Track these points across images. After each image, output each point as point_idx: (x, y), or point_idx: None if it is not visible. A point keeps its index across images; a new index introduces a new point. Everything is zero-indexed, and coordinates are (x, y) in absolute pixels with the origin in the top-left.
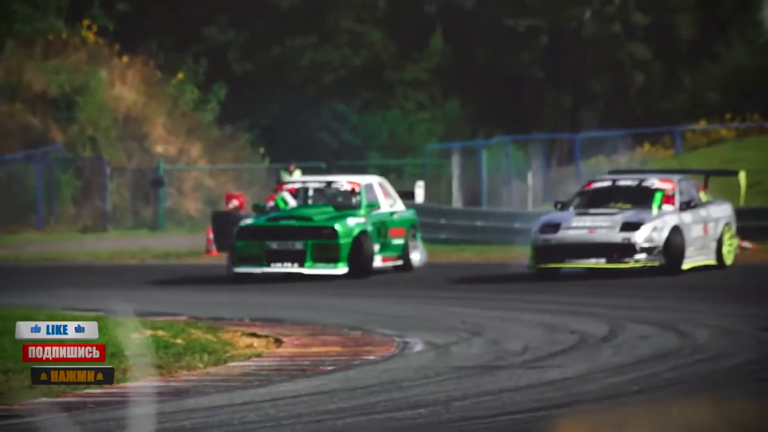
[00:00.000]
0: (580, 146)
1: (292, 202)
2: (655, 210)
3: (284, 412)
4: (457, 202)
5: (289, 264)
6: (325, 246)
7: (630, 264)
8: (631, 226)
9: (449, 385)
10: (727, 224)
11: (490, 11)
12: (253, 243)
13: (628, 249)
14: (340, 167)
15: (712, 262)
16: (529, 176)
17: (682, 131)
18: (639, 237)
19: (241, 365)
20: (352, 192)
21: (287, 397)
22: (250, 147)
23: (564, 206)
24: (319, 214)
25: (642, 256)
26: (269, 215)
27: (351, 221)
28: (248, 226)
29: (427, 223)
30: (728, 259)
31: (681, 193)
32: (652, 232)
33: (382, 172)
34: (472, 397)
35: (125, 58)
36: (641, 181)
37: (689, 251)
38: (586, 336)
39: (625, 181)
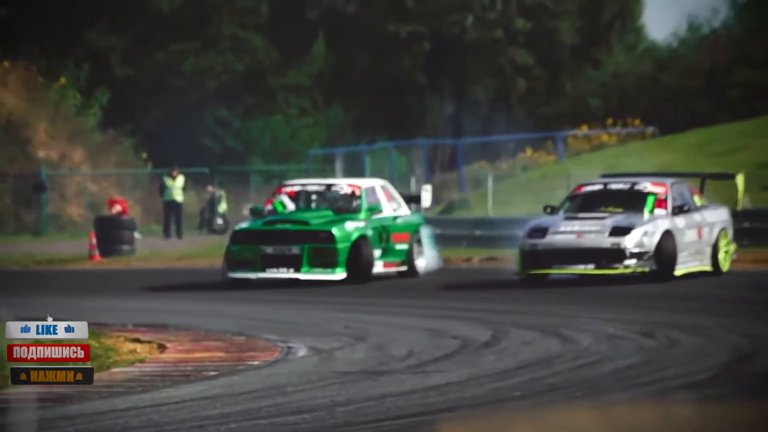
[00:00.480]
0: (462, 152)
1: (291, 206)
2: (646, 214)
3: (167, 418)
4: None
5: (285, 269)
6: (322, 251)
7: (620, 270)
8: (621, 231)
9: (333, 390)
10: (723, 229)
11: (372, 17)
12: (247, 247)
13: (618, 254)
14: (222, 173)
15: (707, 268)
16: (412, 181)
17: (564, 137)
18: (629, 242)
19: (124, 371)
20: (353, 195)
21: (170, 403)
22: (132, 152)
23: (553, 210)
24: (317, 218)
25: (632, 261)
26: (265, 219)
27: (349, 225)
28: (243, 230)
29: None
30: (724, 266)
31: (674, 196)
32: (642, 236)
33: (265, 177)
34: (356, 403)
35: (6, 63)
36: (633, 184)
37: (682, 257)
38: (469, 341)
39: (617, 185)
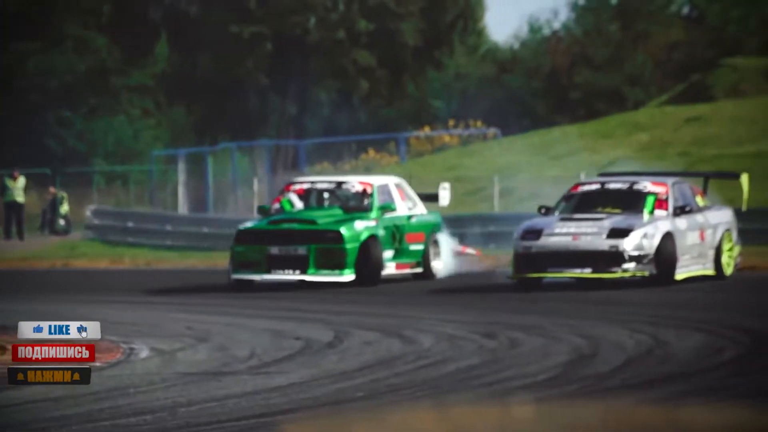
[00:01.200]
0: (305, 153)
1: (299, 204)
2: (645, 215)
3: (8, 419)
4: (183, 209)
5: (291, 271)
6: (329, 251)
7: (618, 274)
8: (620, 233)
9: (175, 391)
10: (727, 231)
11: (215, 18)
12: (252, 248)
13: (616, 257)
14: (64, 174)
15: (709, 272)
16: (255, 182)
17: (406, 138)
18: (628, 244)
19: None
20: (364, 193)
21: (11, 405)
22: None
23: (548, 211)
24: (325, 217)
25: (631, 265)
26: (271, 218)
27: (359, 225)
28: (248, 230)
29: (153, 229)
30: (728, 269)
31: (675, 197)
32: (642, 239)
33: (108, 178)
34: (198, 404)
35: None
36: (632, 184)
37: (684, 260)
38: (312, 342)
39: (615, 184)
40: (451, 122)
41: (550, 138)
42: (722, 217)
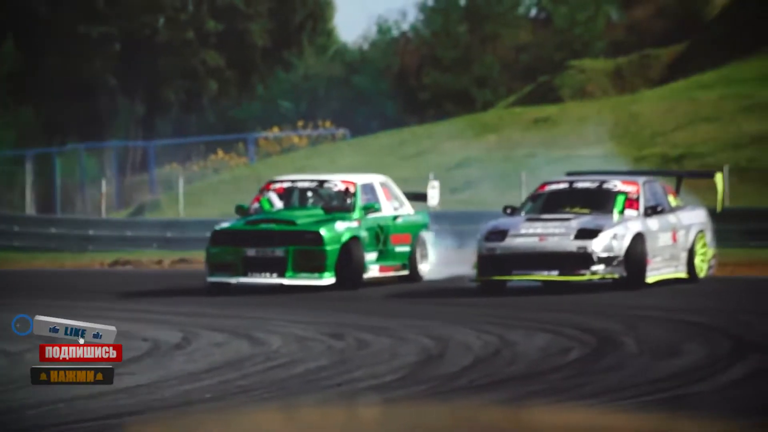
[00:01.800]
0: (154, 153)
1: (278, 204)
2: (615, 215)
3: None
4: (30, 209)
5: (268, 274)
6: (308, 253)
7: (587, 276)
8: (588, 234)
9: (23, 393)
10: (701, 232)
11: (62, 18)
12: (228, 249)
13: (585, 259)
14: None
15: (682, 274)
16: (103, 183)
17: (255, 138)
18: (597, 246)
19: None
20: (346, 192)
21: None
22: None
23: (513, 211)
24: (304, 217)
25: (600, 267)
26: (249, 218)
27: (340, 226)
28: (223, 230)
29: (0, 230)
30: (701, 272)
31: (646, 196)
32: (611, 240)
33: None
34: (47, 405)
35: None
36: (602, 183)
37: (655, 262)
38: (160, 343)
39: (584, 183)
40: (300, 123)
41: (399, 139)
42: (696, 217)
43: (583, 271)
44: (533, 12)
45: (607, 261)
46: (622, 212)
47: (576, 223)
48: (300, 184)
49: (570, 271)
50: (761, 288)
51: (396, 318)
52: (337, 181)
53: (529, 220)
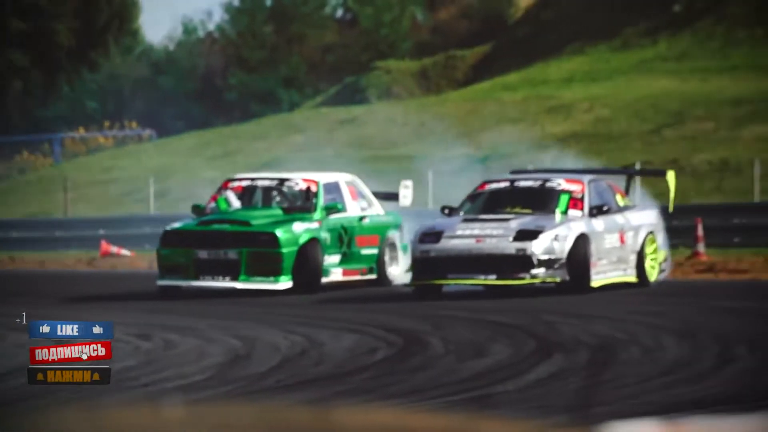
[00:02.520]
0: None
1: (236, 203)
2: (558, 216)
3: None
4: None
5: (221, 277)
6: (263, 256)
7: (526, 280)
8: (528, 235)
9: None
10: (651, 233)
11: None
12: (179, 251)
13: (524, 262)
14: None
15: (631, 278)
16: None
17: (60, 139)
18: (537, 247)
19: None
20: (308, 191)
21: None
22: None
23: (452, 211)
24: (261, 218)
25: (540, 270)
26: (203, 218)
27: (298, 227)
28: (174, 231)
29: None
30: (652, 275)
31: (591, 196)
32: (552, 241)
33: None
34: None
35: None
36: (545, 181)
37: (601, 265)
38: None
39: (526, 182)
40: (106, 124)
41: (206, 139)
42: (645, 218)
43: (522, 275)
44: (339, 13)
45: (548, 264)
46: (565, 212)
47: (515, 224)
48: (260, 183)
49: (508, 274)
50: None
51: (204, 319)
52: (298, 180)
53: (466, 220)
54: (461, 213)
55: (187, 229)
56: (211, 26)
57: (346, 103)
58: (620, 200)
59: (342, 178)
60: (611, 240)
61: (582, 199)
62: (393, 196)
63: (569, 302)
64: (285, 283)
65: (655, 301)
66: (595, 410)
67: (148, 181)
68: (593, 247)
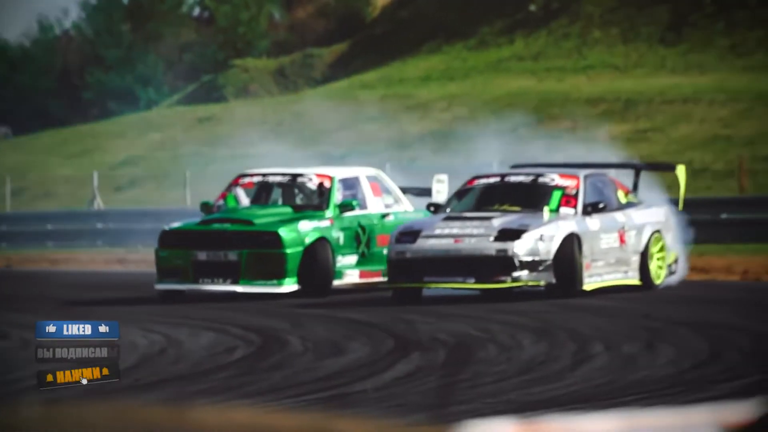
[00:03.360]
0: None
1: (245, 201)
2: (546, 214)
3: None
4: None
5: (221, 280)
6: (265, 257)
7: (508, 283)
8: (510, 234)
9: None
10: (657, 232)
11: None
12: (177, 252)
13: (505, 264)
14: None
15: (632, 281)
16: None
17: None
18: (519, 248)
19: None
20: (320, 187)
21: None
22: None
23: (438, 209)
24: (266, 216)
25: (523, 273)
26: (206, 217)
27: (305, 225)
28: (173, 231)
29: None
30: (657, 277)
31: (587, 192)
32: (537, 241)
33: None
34: None
35: None
36: (537, 177)
37: (596, 267)
38: None
39: (517, 177)
40: None
41: (63, 137)
42: (651, 216)
43: (503, 278)
44: (196, 11)
45: (531, 266)
46: (556, 210)
47: (498, 223)
48: (271, 179)
49: (488, 277)
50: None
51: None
52: (311, 175)
53: (448, 219)
54: (447, 210)
55: (186, 229)
56: (67, 24)
57: (204, 102)
58: (622, 197)
59: (363, 173)
60: (609, 240)
61: (576, 196)
62: (426, 192)
63: (427, 301)
64: (290, 286)
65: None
66: (452, 409)
67: (5, 179)
68: (586, 248)
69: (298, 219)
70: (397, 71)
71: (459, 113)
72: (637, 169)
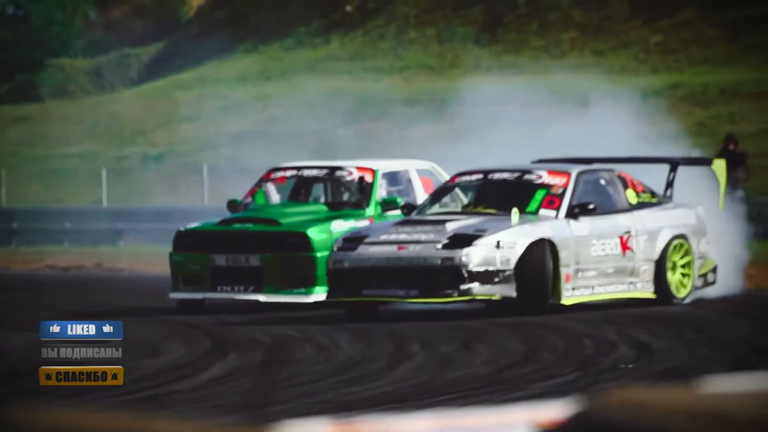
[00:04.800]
0: None
1: (275, 197)
2: (514, 216)
3: None
4: None
5: (241, 288)
6: (292, 261)
7: (454, 297)
8: (461, 240)
9: None
10: (680, 237)
11: None
12: (194, 256)
13: (452, 274)
14: None
15: (643, 294)
16: None
17: None
18: (469, 256)
19: None
20: (361, 182)
21: None
22: None
23: (410, 210)
24: (295, 215)
25: (473, 285)
26: (230, 216)
27: (338, 226)
28: (189, 232)
29: None
30: (681, 290)
31: (578, 191)
32: (493, 249)
33: None
34: None
35: None
36: (523, 174)
37: (583, 278)
38: None
39: (501, 174)
40: None
41: None
42: (672, 218)
43: (449, 291)
44: (10, 10)
45: (484, 277)
46: (536, 211)
47: (452, 227)
48: (306, 173)
49: (433, 290)
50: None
51: None
52: (351, 168)
53: (402, 223)
54: (413, 214)
55: (204, 230)
56: None
57: (19, 101)
58: (632, 197)
59: (413, 166)
60: (604, 246)
61: (561, 196)
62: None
63: (244, 306)
64: (319, 294)
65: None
66: (269, 409)
67: None
68: (566, 256)
69: (331, 219)
70: (213, 71)
71: (275, 113)
72: (673, 164)
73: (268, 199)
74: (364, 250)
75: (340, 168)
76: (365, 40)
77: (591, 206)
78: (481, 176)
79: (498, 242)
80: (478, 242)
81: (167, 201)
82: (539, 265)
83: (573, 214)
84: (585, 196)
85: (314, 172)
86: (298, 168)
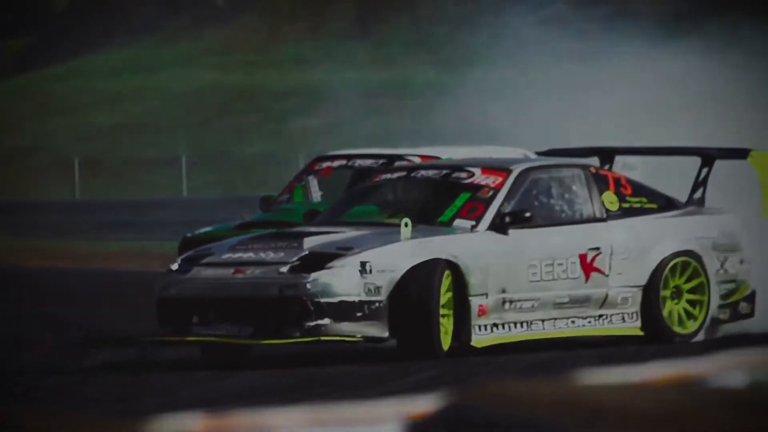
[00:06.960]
0: None
1: (315, 194)
2: (404, 230)
3: None
4: None
5: None
6: None
7: (296, 338)
8: (314, 262)
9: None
10: (684, 255)
11: None
12: None
13: (295, 308)
14: None
15: (623, 329)
16: None
17: None
18: (317, 284)
19: None
20: None
21: None
22: None
23: (312, 218)
24: None
25: (323, 322)
26: (253, 217)
27: None
28: (195, 238)
29: None
30: (687, 324)
31: (514, 195)
32: (356, 274)
33: None
34: None
35: None
36: (453, 171)
37: (508, 311)
38: None
39: (428, 173)
40: None
41: None
42: (674, 230)
43: (291, 330)
44: None
45: (340, 311)
46: (449, 221)
47: (312, 243)
48: (359, 163)
49: (269, 329)
50: None
51: None
52: (413, 157)
53: (258, 237)
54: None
55: (213, 236)
56: None
57: None
58: (611, 202)
59: (495, 153)
60: (551, 268)
61: (489, 201)
62: None
63: None
64: None
65: None
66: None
67: None
68: (480, 281)
69: None
70: (87, 64)
71: (150, 106)
72: (706, 158)
73: (308, 196)
74: (196, 274)
75: (399, 157)
76: (238, 34)
77: (527, 215)
78: (403, 174)
79: (364, 264)
80: (335, 263)
81: (39, 195)
82: (422, 295)
83: (500, 225)
84: (529, 201)
85: (368, 162)
86: (348, 157)
